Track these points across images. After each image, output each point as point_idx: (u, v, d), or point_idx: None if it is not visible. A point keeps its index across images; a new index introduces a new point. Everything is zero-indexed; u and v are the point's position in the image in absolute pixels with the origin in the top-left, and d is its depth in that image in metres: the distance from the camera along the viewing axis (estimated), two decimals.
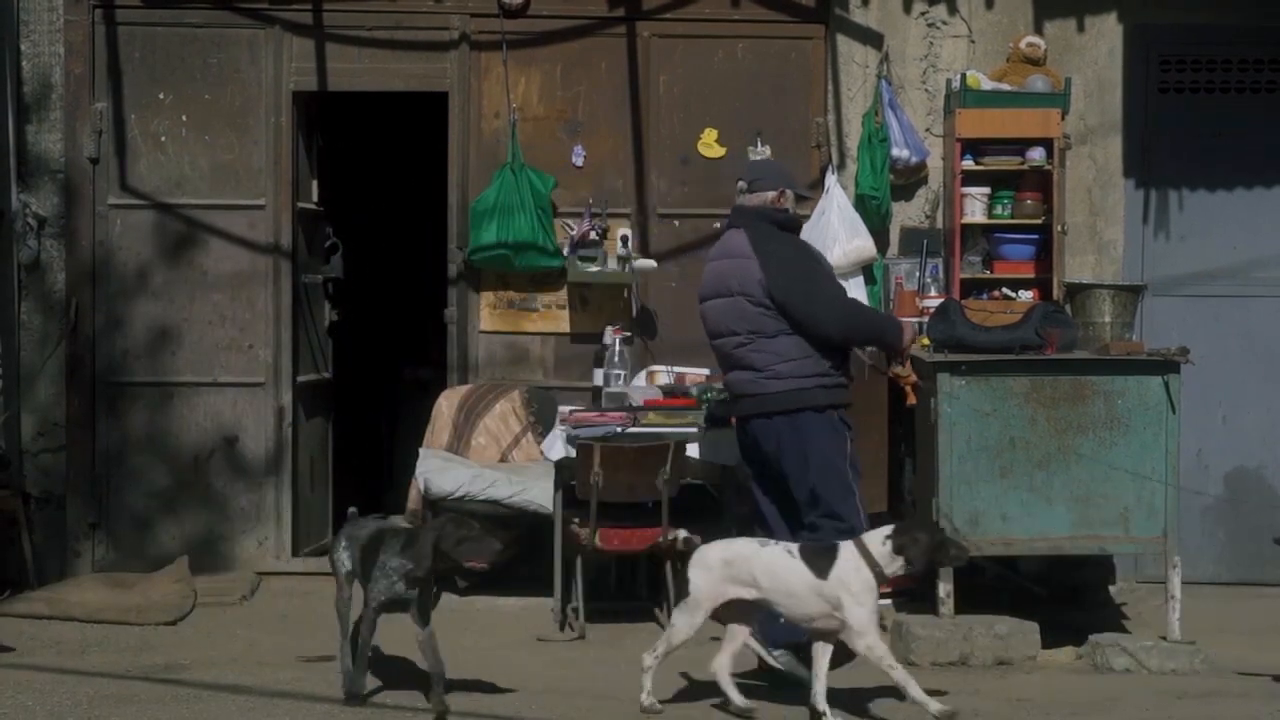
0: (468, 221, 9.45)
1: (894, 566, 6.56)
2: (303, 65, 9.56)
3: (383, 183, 12.01)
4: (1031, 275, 9.14)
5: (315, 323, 9.93)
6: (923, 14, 9.51)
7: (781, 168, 7.88)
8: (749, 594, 6.65)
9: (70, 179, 9.48)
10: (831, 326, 7.28)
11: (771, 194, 7.47)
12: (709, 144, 9.61)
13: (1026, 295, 9.06)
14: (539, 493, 8.55)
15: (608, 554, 8.45)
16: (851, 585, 6.51)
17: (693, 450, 8.39)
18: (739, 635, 6.80)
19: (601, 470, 8.06)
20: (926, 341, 8.49)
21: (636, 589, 8.92)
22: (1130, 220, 9.54)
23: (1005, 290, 9.10)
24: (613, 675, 7.38)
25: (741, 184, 7.58)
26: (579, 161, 9.60)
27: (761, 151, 9.52)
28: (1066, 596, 8.67)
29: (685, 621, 6.69)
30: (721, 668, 6.73)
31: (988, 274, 9.18)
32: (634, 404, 8.93)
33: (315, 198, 9.93)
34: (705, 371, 9.40)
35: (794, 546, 6.74)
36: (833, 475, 7.31)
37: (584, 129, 9.62)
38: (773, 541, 6.88)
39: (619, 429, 8.52)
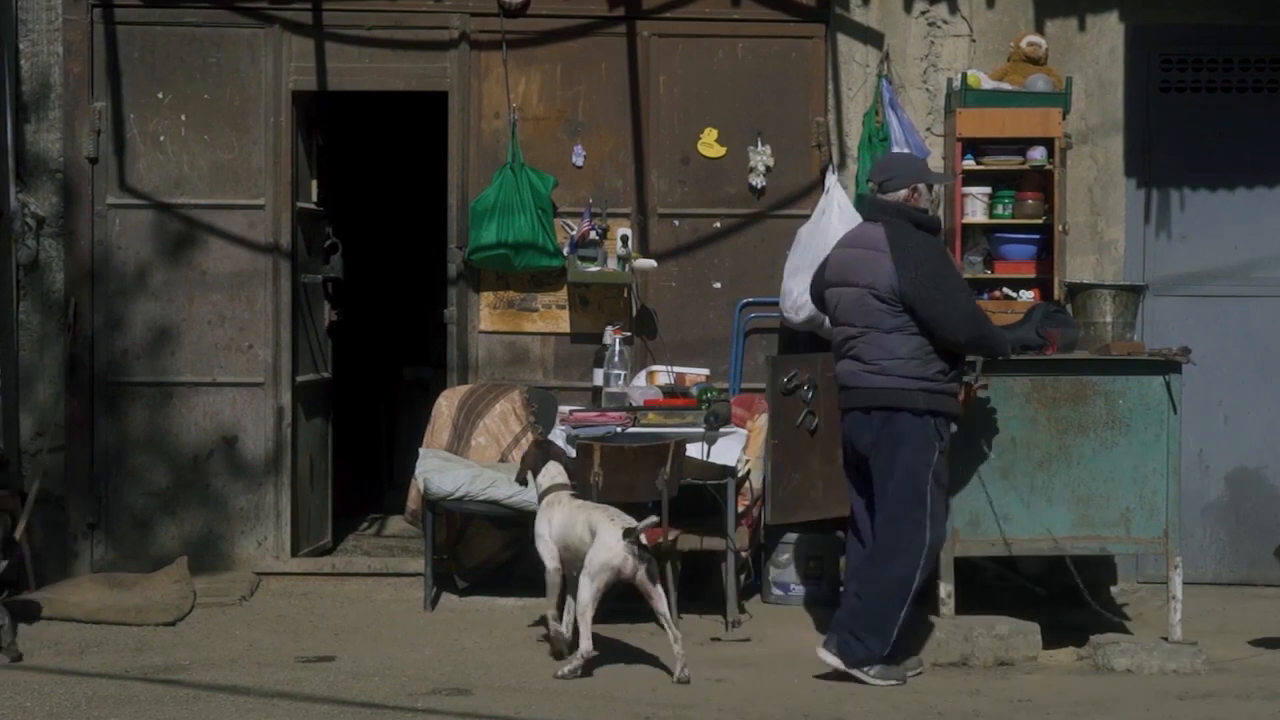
0: (468, 221, 9.44)
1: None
2: (302, 65, 9.55)
3: (383, 183, 12.01)
4: (1032, 275, 9.13)
5: (315, 323, 9.92)
6: (923, 13, 9.50)
7: (910, 162, 7.80)
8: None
9: (69, 178, 9.47)
10: (960, 331, 7.27)
11: (904, 192, 7.44)
12: (709, 144, 9.60)
13: (1027, 295, 9.05)
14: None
15: None
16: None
17: (693, 450, 8.38)
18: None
19: (601, 470, 8.05)
20: None
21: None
22: (1131, 220, 9.54)
23: (1006, 290, 9.09)
24: (613, 675, 7.37)
25: (872, 185, 7.57)
26: (579, 161, 9.60)
27: (762, 151, 9.51)
28: (1067, 596, 8.65)
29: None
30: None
31: (988, 274, 9.17)
32: (634, 404, 8.93)
33: (315, 197, 9.92)
34: (705, 371, 9.42)
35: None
36: (910, 482, 7.28)
37: (584, 129, 9.62)
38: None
39: (619, 429, 8.52)
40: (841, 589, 7.92)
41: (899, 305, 7.26)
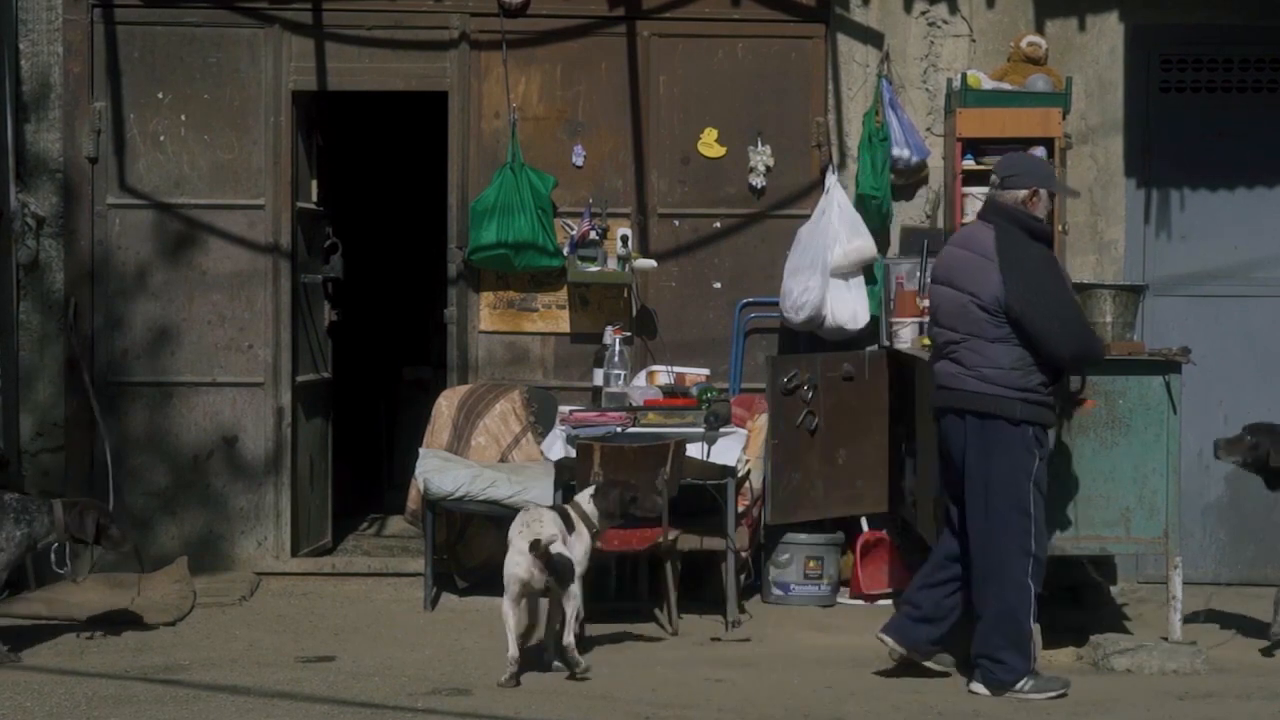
0: (467, 221, 9.44)
1: (600, 522, 7.51)
2: (302, 65, 9.55)
3: (383, 183, 12.00)
4: None
5: (315, 323, 9.92)
6: (923, 13, 9.50)
7: (1038, 165, 7.61)
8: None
9: (69, 178, 9.47)
10: (1065, 348, 7.09)
11: (1024, 193, 7.23)
12: (709, 144, 9.60)
13: None
14: (539, 493, 8.52)
15: (608, 554, 8.42)
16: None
17: (693, 450, 8.38)
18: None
19: (601, 470, 8.05)
20: (927, 341, 8.48)
21: (637, 589, 8.91)
22: (1131, 220, 9.54)
23: None
24: (612, 675, 7.36)
25: (994, 178, 7.36)
26: (579, 161, 9.59)
27: (762, 151, 9.51)
28: (1067, 596, 8.65)
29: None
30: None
31: None
32: (634, 404, 8.93)
33: (315, 197, 9.92)
34: (705, 371, 9.42)
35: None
36: (1010, 491, 7.13)
37: (584, 129, 9.61)
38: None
39: (619, 429, 8.51)
40: (919, 587, 7.55)
41: (1002, 317, 7.08)
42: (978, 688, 7.14)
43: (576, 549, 7.33)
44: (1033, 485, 7.14)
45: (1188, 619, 7.94)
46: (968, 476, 7.20)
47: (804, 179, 9.58)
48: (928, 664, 7.36)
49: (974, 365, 7.16)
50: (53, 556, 8.07)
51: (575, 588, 7.20)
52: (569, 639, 7.19)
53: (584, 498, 7.55)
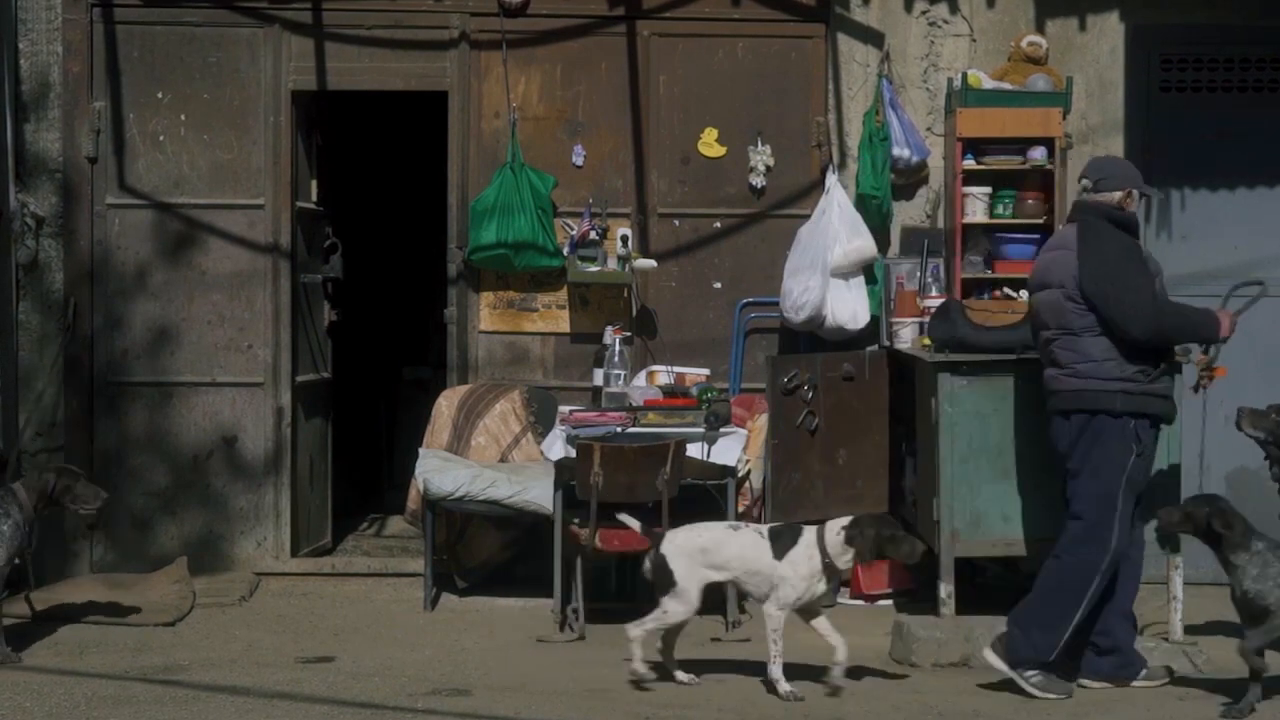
0: (467, 221, 9.44)
1: (845, 558, 7.03)
2: (302, 64, 9.54)
3: (383, 183, 12.00)
4: None
5: (314, 323, 9.92)
6: (924, 13, 9.50)
7: (1128, 168, 7.55)
8: (722, 577, 7.10)
9: (68, 178, 9.47)
10: (1136, 327, 7.05)
11: (1118, 195, 7.26)
12: (709, 144, 9.60)
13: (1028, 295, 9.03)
14: (539, 493, 8.54)
15: (608, 554, 8.43)
16: (800, 567, 7.01)
17: (693, 450, 8.38)
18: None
19: (601, 470, 8.05)
20: (927, 341, 8.48)
21: (637, 589, 8.89)
22: None
23: (1007, 290, 9.08)
24: (613, 675, 7.36)
25: (1085, 182, 7.36)
26: (579, 161, 9.59)
27: (762, 151, 9.51)
28: None
29: (679, 607, 7.06)
30: (637, 640, 7.10)
31: (989, 274, 9.16)
32: (634, 404, 8.92)
33: (314, 197, 9.92)
34: (705, 371, 9.41)
35: (765, 528, 7.14)
36: (1100, 482, 7.12)
37: (584, 129, 9.61)
38: (744, 525, 7.29)
39: (619, 429, 8.51)
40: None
41: (1084, 304, 7.09)
42: (990, 656, 7.12)
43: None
44: (1125, 480, 7.12)
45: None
46: (1069, 472, 7.21)
47: (804, 179, 9.58)
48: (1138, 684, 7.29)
49: (1068, 363, 7.17)
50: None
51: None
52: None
53: (834, 528, 7.06)
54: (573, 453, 8.21)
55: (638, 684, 7.09)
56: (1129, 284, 7.07)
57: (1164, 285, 7.38)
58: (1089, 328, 7.11)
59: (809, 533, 7.03)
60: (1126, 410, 7.09)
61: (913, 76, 9.51)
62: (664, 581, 7.08)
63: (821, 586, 7.05)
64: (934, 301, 8.84)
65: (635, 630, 7.12)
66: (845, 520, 7.04)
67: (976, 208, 9.14)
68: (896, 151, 9.25)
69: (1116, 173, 7.37)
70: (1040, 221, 9.09)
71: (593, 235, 9.42)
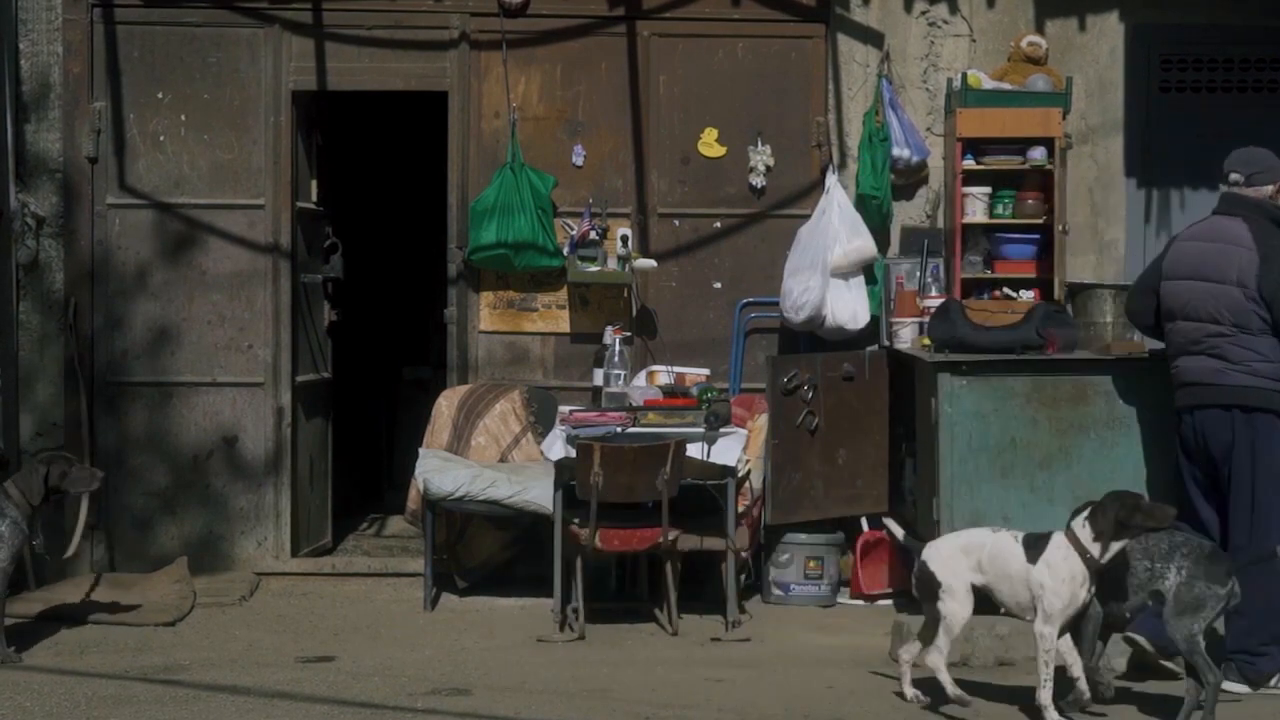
0: (467, 221, 9.44)
1: (1099, 548, 6.53)
2: (302, 65, 9.55)
3: (383, 183, 12.00)
4: (1033, 275, 9.12)
5: (314, 322, 9.92)
6: (923, 13, 9.50)
7: (1276, 160, 7.50)
8: (981, 580, 6.77)
9: (69, 178, 9.47)
10: None
11: (1271, 188, 7.27)
12: (709, 144, 9.60)
13: (1028, 295, 9.04)
14: (539, 493, 8.54)
15: (608, 554, 8.44)
16: (1058, 570, 6.57)
17: (693, 450, 8.38)
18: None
19: (601, 470, 8.05)
20: (927, 341, 8.48)
21: (637, 590, 8.91)
22: (1132, 220, 9.53)
23: (1006, 290, 9.09)
24: (613, 675, 7.36)
25: (1236, 176, 7.32)
26: (579, 161, 9.59)
27: (762, 151, 9.51)
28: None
29: (953, 605, 6.75)
30: (905, 661, 6.98)
31: (989, 274, 9.17)
32: (634, 404, 8.92)
33: (314, 197, 9.92)
34: (705, 371, 9.41)
35: (1019, 534, 6.77)
36: (1276, 485, 7.11)
37: (584, 129, 9.61)
38: (1002, 529, 6.92)
39: (619, 429, 8.51)
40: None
41: (1264, 304, 7.09)
42: (1234, 686, 7.03)
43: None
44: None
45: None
46: (1234, 473, 7.17)
47: (804, 179, 9.58)
48: (1166, 664, 7.20)
49: (1241, 359, 7.16)
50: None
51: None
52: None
53: (1078, 523, 6.65)
54: (573, 453, 8.21)
55: (960, 705, 6.80)
56: None
57: None
58: (1265, 329, 7.13)
59: (1058, 534, 6.67)
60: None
61: (912, 76, 9.52)
62: (929, 586, 6.78)
63: (1085, 594, 6.60)
64: (934, 301, 8.84)
65: (935, 659, 6.77)
66: (1085, 512, 6.65)
67: (976, 208, 9.15)
68: (896, 151, 9.25)
69: (1270, 166, 7.36)
70: (1040, 221, 9.09)
71: (593, 235, 9.42)
